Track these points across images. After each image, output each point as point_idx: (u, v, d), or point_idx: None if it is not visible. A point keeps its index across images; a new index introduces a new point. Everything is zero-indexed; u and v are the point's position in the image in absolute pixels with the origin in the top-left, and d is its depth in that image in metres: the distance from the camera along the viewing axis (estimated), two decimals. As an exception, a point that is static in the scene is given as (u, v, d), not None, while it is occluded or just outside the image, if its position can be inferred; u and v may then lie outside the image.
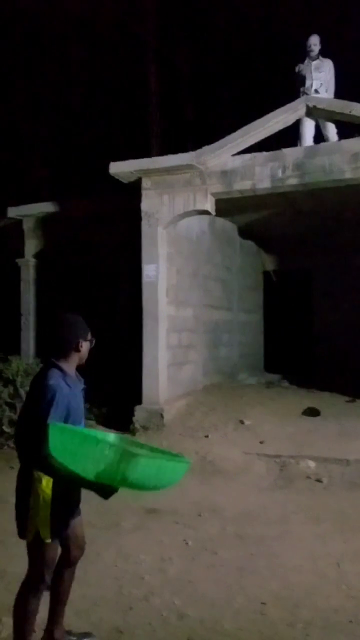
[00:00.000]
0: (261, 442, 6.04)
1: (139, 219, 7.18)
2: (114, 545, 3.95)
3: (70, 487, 2.40)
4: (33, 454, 2.34)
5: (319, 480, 5.14)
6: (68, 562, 2.62)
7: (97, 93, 11.80)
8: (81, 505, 2.73)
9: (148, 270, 7.12)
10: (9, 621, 2.64)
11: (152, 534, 4.15)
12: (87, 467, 2.20)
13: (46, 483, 2.33)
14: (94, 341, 2.62)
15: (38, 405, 2.35)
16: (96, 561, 3.73)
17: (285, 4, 11.73)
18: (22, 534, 2.44)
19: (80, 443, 2.26)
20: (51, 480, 2.33)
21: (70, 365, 2.52)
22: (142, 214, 7.14)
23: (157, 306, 7.12)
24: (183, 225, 7.75)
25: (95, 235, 8.66)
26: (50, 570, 2.47)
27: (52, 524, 2.36)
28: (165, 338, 7.28)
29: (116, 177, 7.12)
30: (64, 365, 2.48)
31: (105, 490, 2.29)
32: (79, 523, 2.64)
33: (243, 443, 6.06)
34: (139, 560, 3.72)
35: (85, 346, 2.56)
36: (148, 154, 8.23)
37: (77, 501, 2.57)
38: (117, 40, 11.26)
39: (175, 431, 6.58)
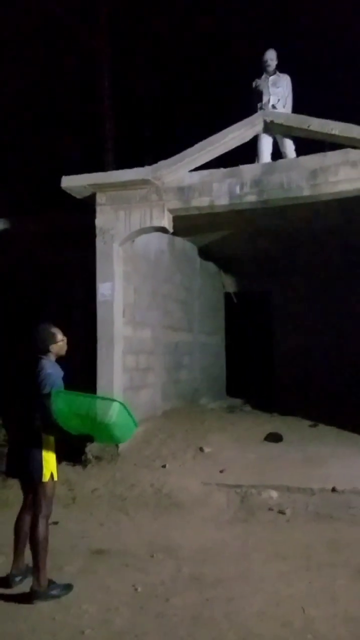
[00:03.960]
0: (221, 471, 5.67)
1: (94, 236, 6.85)
2: (53, 594, 3.48)
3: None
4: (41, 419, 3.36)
5: (282, 512, 4.79)
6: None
7: (50, 106, 11.56)
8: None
9: (103, 289, 6.75)
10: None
11: (98, 579, 3.70)
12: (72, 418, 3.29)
13: (51, 439, 3.46)
14: (65, 339, 3.65)
15: (45, 385, 3.40)
16: (31, 613, 3.27)
17: (243, 19, 11.87)
18: (31, 477, 3.44)
19: (74, 400, 3.35)
20: (52, 437, 3.46)
21: (52, 358, 3.59)
22: (97, 230, 6.81)
23: (113, 326, 6.74)
24: (141, 243, 7.46)
25: (49, 254, 8.27)
26: (52, 504, 3.54)
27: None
28: (121, 360, 6.88)
29: (69, 192, 6.78)
30: (50, 357, 3.56)
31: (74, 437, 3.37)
32: None
33: (202, 472, 5.67)
34: (80, 611, 3.27)
35: (58, 346, 3.60)
36: (102, 170, 7.95)
37: None
38: (69, 52, 11.09)
39: (130, 461, 6.14)
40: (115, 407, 3.39)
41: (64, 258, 8.14)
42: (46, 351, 3.58)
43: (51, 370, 3.51)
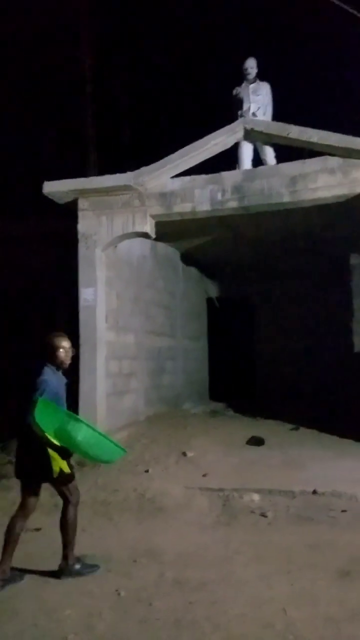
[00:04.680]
0: (204, 475, 5.70)
1: (76, 241, 6.86)
2: (35, 599, 3.47)
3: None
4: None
5: (263, 515, 4.83)
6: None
7: (31, 111, 11.55)
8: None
9: (86, 294, 6.77)
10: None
11: (81, 584, 3.70)
12: (51, 428, 3.36)
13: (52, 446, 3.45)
14: (69, 350, 3.75)
15: (35, 391, 3.52)
16: (12, 619, 3.25)
17: (223, 27, 12.01)
18: (41, 477, 3.64)
19: (52, 412, 3.42)
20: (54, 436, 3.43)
21: (54, 366, 3.71)
22: (79, 236, 6.83)
23: (96, 332, 6.76)
24: (123, 248, 7.49)
25: (31, 259, 8.25)
26: (77, 491, 3.78)
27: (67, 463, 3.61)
28: (104, 365, 6.89)
29: (50, 197, 6.79)
30: (51, 365, 3.68)
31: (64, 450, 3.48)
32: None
33: (185, 477, 5.70)
34: (63, 617, 3.26)
35: (59, 355, 3.69)
36: (85, 175, 7.95)
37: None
38: (50, 59, 11.10)
39: (113, 466, 6.09)
40: (81, 427, 3.41)
41: (48, 263, 8.13)
42: (47, 358, 3.70)
43: (46, 377, 3.60)
